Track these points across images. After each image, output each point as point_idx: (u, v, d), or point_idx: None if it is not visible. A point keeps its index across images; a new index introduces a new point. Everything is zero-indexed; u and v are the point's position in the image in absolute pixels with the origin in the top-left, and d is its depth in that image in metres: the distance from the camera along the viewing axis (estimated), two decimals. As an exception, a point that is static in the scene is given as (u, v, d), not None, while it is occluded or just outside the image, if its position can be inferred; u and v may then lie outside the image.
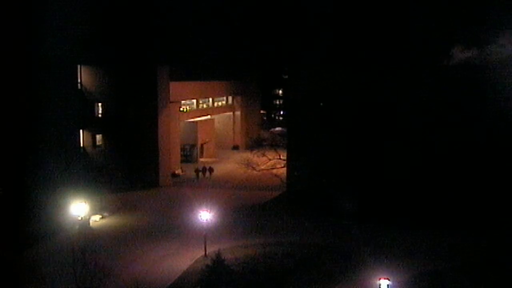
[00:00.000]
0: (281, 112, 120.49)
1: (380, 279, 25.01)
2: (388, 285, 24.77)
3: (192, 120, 74.13)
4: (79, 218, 35.64)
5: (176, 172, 64.35)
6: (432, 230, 40.31)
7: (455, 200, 44.07)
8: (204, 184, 60.26)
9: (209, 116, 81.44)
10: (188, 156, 73.30)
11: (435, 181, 45.94)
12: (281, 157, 55.66)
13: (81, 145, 56.42)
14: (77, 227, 37.04)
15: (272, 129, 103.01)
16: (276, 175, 54.68)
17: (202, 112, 78.66)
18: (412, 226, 40.94)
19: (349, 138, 48.92)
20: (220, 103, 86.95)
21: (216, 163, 74.58)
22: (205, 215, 36.17)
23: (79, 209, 34.75)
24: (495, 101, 44.06)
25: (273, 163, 56.35)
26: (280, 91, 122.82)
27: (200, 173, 64.32)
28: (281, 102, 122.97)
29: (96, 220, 44.39)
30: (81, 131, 56.05)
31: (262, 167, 58.55)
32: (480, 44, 47.47)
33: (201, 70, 75.78)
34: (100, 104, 58.04)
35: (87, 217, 40.32)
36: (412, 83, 47.07)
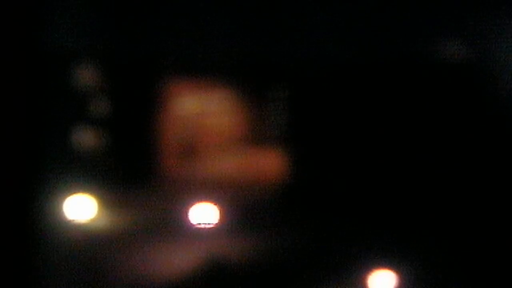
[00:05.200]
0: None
1: (379, 278, 24.98)
2: (388, 283, 24.75)
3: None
4: (79, 218, 35.76)
5: (176, 172, 64.37)
6: (431, 229, 40.37)
7: (454, 200, 44.12)
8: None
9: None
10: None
11: (434, 180, 46.00)
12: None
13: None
14: (76, 227, 37.12)
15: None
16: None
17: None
18: (411, 226, 40.99)
19: (348, 137, 49.02)
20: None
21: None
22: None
23: (79, 209, 34.87)
24: (493, 100, 44.18)
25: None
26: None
27: None
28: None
29: (95, 220, 44.47)
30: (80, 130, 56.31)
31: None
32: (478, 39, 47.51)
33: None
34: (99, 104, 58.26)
35: (87, 217, 40.37)
36: (409, 83, 47.23)
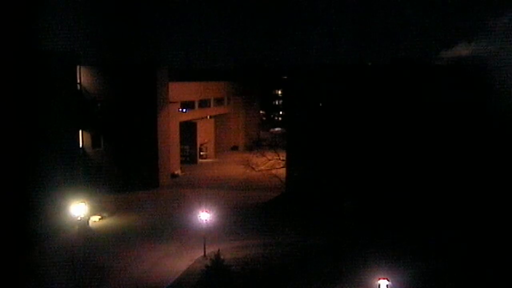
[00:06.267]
0: (281, 113, 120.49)
1: (379, 279, 25.02)
2: (387, 285, 24.78)
3: (191, 120, 74.21)
4: (79, 219, 35.66)
5: (176, 172, 64.50)
6: (432, 229, 40.33)
7: (453, 200, 44.08)
8: (204, 185, 60.63)
9: (208, 117, 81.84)
10: (188, 156, 73.35)
11: (434, 180, 45.97)
12: (281, 158, 55.62)
13: (81, 145, 56.48)
14: (76, 227, 37.04)
15: (272, 130, 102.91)
16: (275, 176, 54.63)
17: (201, 113, 78.93)
18: (411, 226, 40.96)
19: (348, 138, 48.99)
20: (219, 103, 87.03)
21: (215, 163, 74.57)
22: (205, 216, 36.22)
23: (79, 209, 34.75)
24: (491, 99, 44.11)
25: (272, 164, 56.27)
26: (280, 92, 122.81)
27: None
28: (280, 102, 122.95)
29: (95, 220, 44.38)
30: (80, 131, 56.10)
31: (262, 168, 58.51)
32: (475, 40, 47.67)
33: (200, 71, 75.31)
34: (99, 104, 57.99)
35: (87, 218, 40.32)
36: (408, 84, 47.15)
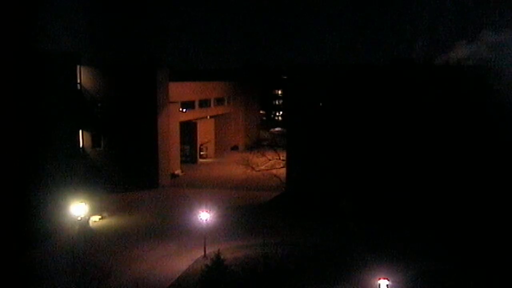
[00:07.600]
0: (281, 112, 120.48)
1: (379, 279, 25.03)
2: (387, 285, 24.79)
3: (191, 120, 74.19)
4: (79, 219, 35.66)
5: (176, 172, 64.49)
6: (431, 229, 40.36)
7: (453, 200, 44.12)
8: (204, 185, 60.59)
9: (208, 117, 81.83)
10: (188, 156, 73.34)
11: (434, 180, 46.00)
12: (281, 157, 55.59)
13: (81, 145, 56.51)
14: (76, 227, 37.05)
15: (272, 129, 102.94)
16: (275, 175, 54.62)
17: (201, 113, 78.84)
18: (411, 226, 40.99)
19: (348, 138, 49.01)
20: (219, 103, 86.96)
21: (215, 163, 74.56)
22: (205, 216, 36.25)
23: (79, 209, 34.75)
24: (491, 101, 44.10)
25: (272, 163, 56.27)
26: (280, 91, 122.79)
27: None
28: (280, 102, 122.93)
29: (95, 220, 44.35)
30: (80, 131, 56.14)
31: (262, 167, 58.50)
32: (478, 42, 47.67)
33: (200, 71, 75.22)
34: (99, 104, 58.07)
35: (87, 218, 40.32)
36: (408, 84, 47.17)
